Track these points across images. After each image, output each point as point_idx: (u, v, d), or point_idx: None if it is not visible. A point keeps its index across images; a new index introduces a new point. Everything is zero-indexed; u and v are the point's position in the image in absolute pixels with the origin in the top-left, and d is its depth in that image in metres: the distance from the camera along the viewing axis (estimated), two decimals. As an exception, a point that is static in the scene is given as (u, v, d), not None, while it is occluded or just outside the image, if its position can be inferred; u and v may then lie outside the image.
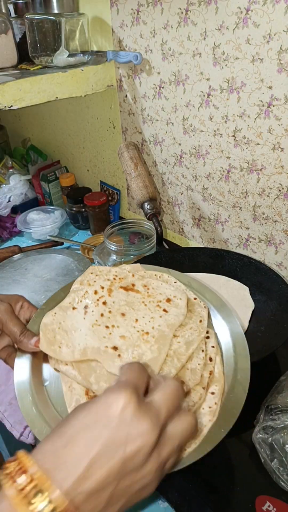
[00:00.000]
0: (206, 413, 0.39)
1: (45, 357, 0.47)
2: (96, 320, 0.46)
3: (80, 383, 0.43)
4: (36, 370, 0.46)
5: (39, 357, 0.47)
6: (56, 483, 0.25)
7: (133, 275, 0.52)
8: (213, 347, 0.46)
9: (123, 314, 0.46)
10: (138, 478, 0.27)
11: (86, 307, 0.47)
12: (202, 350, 0.44)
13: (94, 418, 0.27)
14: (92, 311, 0.47)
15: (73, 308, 0.47)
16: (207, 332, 0.47)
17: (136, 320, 0.46)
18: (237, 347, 0.46)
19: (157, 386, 0.31)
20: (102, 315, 0.46)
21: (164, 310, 0.47)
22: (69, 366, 0.43)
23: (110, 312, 0.46)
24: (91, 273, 0.52)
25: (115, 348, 0.43)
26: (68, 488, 0.25)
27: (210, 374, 0.43)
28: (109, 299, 0.48)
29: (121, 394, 0.27)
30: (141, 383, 0.30)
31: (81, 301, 0.48)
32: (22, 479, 0.25)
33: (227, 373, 0.44)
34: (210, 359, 0.44)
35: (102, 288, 0.49)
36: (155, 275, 0.53)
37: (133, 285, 0.50)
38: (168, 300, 0.48)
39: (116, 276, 0.51)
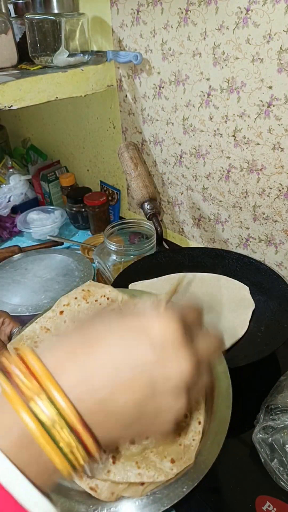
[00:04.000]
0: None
1: None
2: None
3: None
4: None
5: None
6: (64, 387, 0.21)
7: None
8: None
9: None
10: (166, 411, 0.24)
11: None
12: (199, 422, 0.39)
13: (129, 324, 0.24)
14: None
15: None
16: None
17: None
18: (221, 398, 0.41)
19: (202, 335, 0.27)
20: None
21: None
22: None
23: None
24: None
25: None
26: (77, 395, 0.21)
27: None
28: None
29: (171, 318, 0.23)
30: (191, 316, 0.26)
31: None
32: (23, 378, 0.21)
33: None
34: (199, 422, 0.40)
35: None
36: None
37: None
38: None
39: None
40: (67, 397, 0.21)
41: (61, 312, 0.47)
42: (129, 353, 0.22)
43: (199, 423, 0.40)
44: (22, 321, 0.75)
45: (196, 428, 0.39)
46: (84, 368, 0.22)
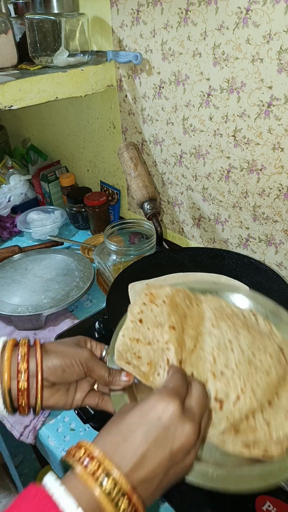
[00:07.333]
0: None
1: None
2: None
3: None
4: (133, 401, 0.46)
5: (130, 390, 0.46)
6: (119, 468, 0.30)
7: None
8: None
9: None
10: (180, 468, 0.34)
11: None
12: None
13: (147, 419, 0.33)
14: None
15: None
16: None
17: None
18: None
19: (190, 392, 0.37)
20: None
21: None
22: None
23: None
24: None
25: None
26: (127, 472, 0.31)
27: None
28: None
29: (170, 403, 0.34)
30: (183, 392, 0.36)
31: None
32: (91, 464, 0.30)
33: None
34: None
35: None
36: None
37: None
38: None
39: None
40: (121, 473, 0.30)
41: (140, 321, 0.48)
42: (151, 436, 0.32)
43: None
44: (22, 321, 0.75)
45: None
46: (126, 453, 0.32)
